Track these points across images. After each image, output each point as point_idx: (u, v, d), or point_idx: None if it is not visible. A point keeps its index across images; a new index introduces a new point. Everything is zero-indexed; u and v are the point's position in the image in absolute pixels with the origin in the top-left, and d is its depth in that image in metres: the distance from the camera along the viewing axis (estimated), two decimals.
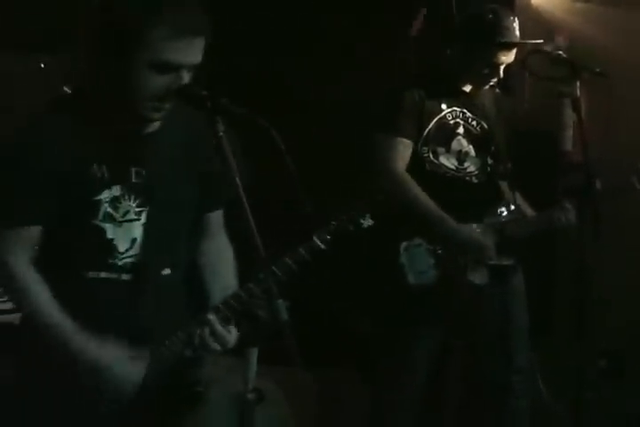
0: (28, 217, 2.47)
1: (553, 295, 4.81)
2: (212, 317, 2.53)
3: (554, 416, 4.39)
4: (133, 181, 2.52)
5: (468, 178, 3.93)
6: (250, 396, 2.53)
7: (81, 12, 2.55)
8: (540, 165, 4.62)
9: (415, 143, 3.84)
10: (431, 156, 3.88)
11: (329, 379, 4.43)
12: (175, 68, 2.37)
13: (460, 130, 3.93)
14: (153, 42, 2.33)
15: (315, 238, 2.57)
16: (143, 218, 2.54)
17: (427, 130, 3.86)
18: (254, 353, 2.55)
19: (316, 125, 4.67)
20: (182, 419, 2.63)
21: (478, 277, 3.84)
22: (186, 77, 2.39)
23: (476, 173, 3.94)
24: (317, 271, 2.66)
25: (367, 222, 2.64)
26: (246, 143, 2.50)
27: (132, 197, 2.52)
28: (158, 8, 2.34)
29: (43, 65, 4.06)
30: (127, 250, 2.54)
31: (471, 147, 3.93)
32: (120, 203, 2.51)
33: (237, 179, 2.20)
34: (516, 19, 3.86)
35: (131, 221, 2.53)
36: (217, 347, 2.54)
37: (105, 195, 2.49)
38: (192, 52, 2.37)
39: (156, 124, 2.52)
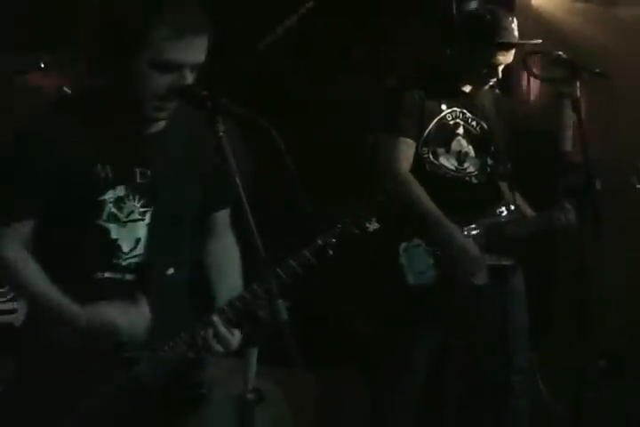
0: (20, 214, 2.48)
1: (553, 295, 4.82)
2: (216, 318, 2.52)
3: (554, 416, 4.39)
4: (138, 181, 2.52)
5: (467, 178, 3.93)
6: (250, 396, 2.53)
7: (81, 12, 2.55)
8: (540, 166, 4.62)
9: (416, 143, 3.85)
10: (431, 156, 3.88)
11: (331, 380, 4.43)
12: (177, 68, 2.37)
13: (460, 130, 3.93)
14: (153, 42, 2.33)
15: (320, 241, 2.54)
16: (147, 218, 2.55)
17: (427, 130, 3.86)
18: (254, 353, 2.55)
19: (316, 125, 4.66)
20: (184, 420, 2.62)
21: (478, 278, 3.84)
22: (189, 77, 2.39)
23: (476, 173, 3.94)
24: (317, 273, 2.65)
25: (373, 226, 2.61)
26: (246, 143, 2.51)
27: (137, 198, 2.53)
28: (158, 8, 2.34)
29: (43, 65, 4.05)
30: (131, 250, 2.54)
31: (471, 147, 3.93)
32: (124, 203, 2.52)
33: (237, 179, 2.20)
34: (515, 19, 3.87)
35: (135, 221, 2.53)
36: (220, 349, 2.53)
37: (109, 195, 2.50)
38: (193, 52, 2.37)
39: (161, 124, 2.52)
